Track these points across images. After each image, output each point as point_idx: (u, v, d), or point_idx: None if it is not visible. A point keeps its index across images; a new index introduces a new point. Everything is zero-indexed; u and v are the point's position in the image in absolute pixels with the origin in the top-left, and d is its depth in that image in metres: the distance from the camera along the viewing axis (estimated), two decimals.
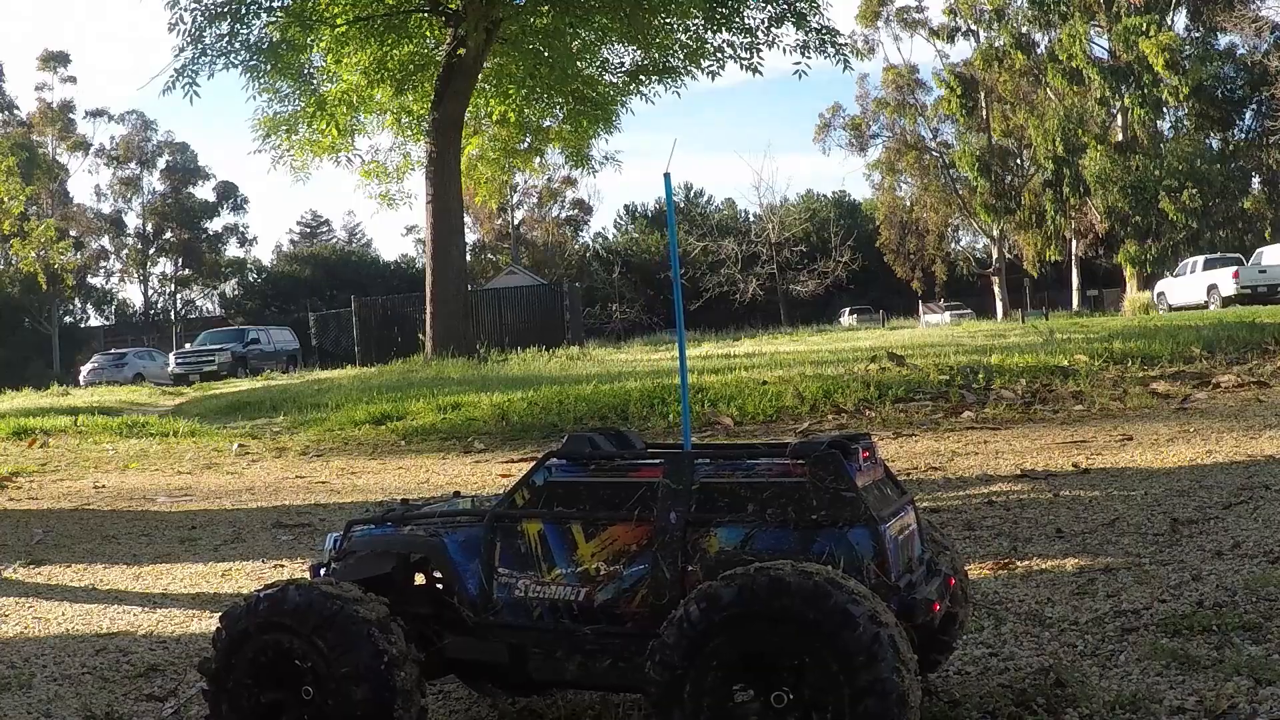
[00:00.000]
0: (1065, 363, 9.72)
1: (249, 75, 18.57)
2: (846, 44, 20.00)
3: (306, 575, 2.71)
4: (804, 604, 1.90)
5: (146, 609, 4.14)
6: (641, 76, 20.75)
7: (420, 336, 20.21)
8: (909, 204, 49.44)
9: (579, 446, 2.46)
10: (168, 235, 60.15)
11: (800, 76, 20.39)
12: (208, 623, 3.75)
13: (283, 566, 4.70)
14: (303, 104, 20.05)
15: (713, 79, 20.65)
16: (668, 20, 19.10)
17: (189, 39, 17.67)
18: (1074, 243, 41.17)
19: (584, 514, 2.33)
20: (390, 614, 2.32)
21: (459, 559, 2.45)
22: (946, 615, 2.50)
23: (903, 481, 2.57)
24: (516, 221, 60.23)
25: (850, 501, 2.13)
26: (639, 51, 20.28)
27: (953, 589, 2.49)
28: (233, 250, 63.36)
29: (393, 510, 2.74)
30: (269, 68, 18.60)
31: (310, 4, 18.07)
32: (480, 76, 19.65)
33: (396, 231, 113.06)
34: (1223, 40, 37.04)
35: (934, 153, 47.10)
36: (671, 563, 2.21)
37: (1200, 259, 28.74)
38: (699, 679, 1.96)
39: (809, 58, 18.72)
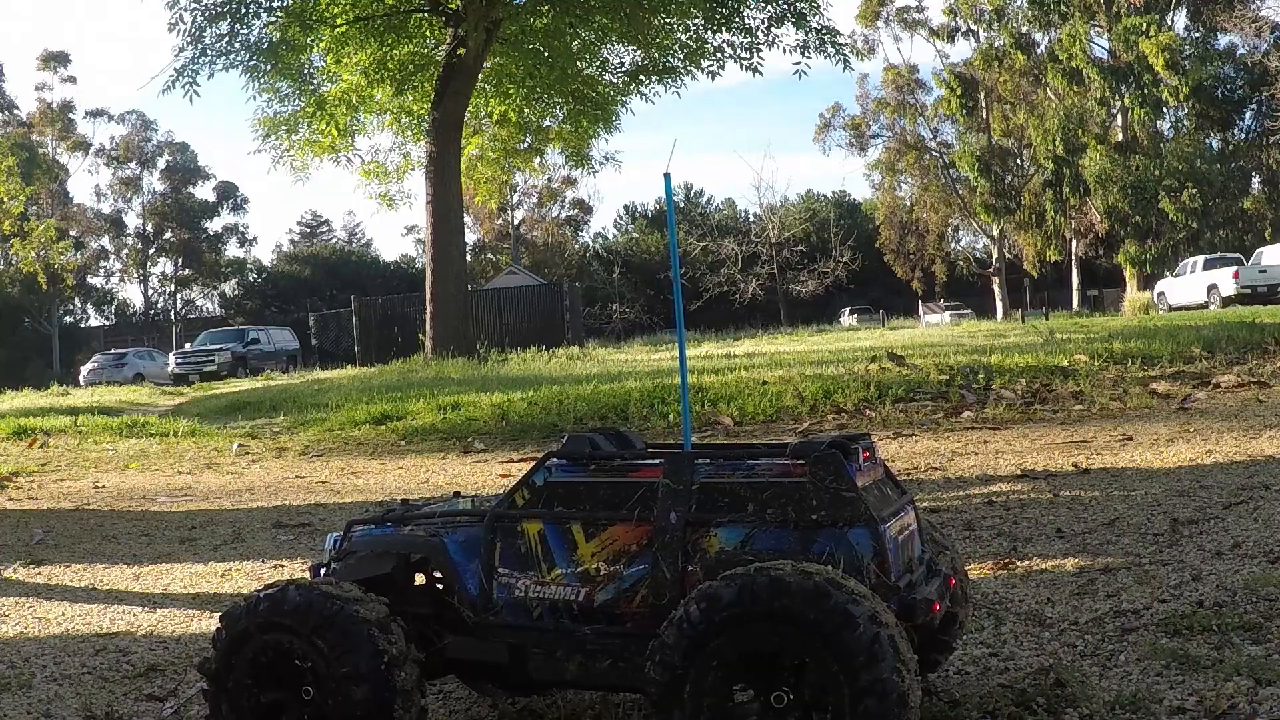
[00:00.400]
0: (1065, 363, 9.72)
1: (249, 75, 18.59)
2: (846, 44, 20.02)
3: (306, 575, 2.72)
4: (804, 604, 1.90)
5: (146, 609, 4.14)
6: (641, 76, 20.75)
7: (420, 336, 20.21)
8: (909, 204, 49.46)
9: (579, 446, 2.46)
10: (168, 235, 60.15)
11: (800, 76, 20.41)
12: (208, 623, 3.76)
13: (283, 566, 4.70)
14: (303, 104, 20.05)
15: (713, 79, 20.67)
16: (668, 20, 19.10)
17: (189, 39, 17.69)
18: (1074, 243, 41.17)
19: (584, 514, 2.32)
20: (390, 614, 2.32)
21: (459, 559, 2.45)
22: (947, 615, 2.50)
23: (903, 481, 2.57)
24: (516, 221, 60.23)
25: (850, 501, 2.13)
26: (639, 51, 20.28)
27: (953, 589, 2.48)
28: (233, 250, 63.42)
29: (393, 510, 2.74)
30: (269, 68, 18.60)
31: (310, 4, 18.07)
32: (480, 76, 19.65)
33: (396, 231, 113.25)
34: (1223, 40, 37.10)
35: (934, 153, 47.12)
36: (671, 563, 2.21)
37: (1200, 259, 28.74)
38: (699, 679, 1.96)
39: (809, 58, 18.73)
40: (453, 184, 19.18)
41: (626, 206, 65.67)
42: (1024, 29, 39.40)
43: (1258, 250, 28.02)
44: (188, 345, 36.28)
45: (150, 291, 62.44)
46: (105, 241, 59.76)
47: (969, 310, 43.82)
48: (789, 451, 2.27)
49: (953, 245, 50.79)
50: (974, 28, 42.79)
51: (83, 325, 57.61)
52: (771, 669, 1.94)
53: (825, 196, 60.50)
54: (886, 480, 2.40)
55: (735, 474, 2.29)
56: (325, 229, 72.76)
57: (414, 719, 2.28)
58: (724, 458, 2.40)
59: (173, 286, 62.82)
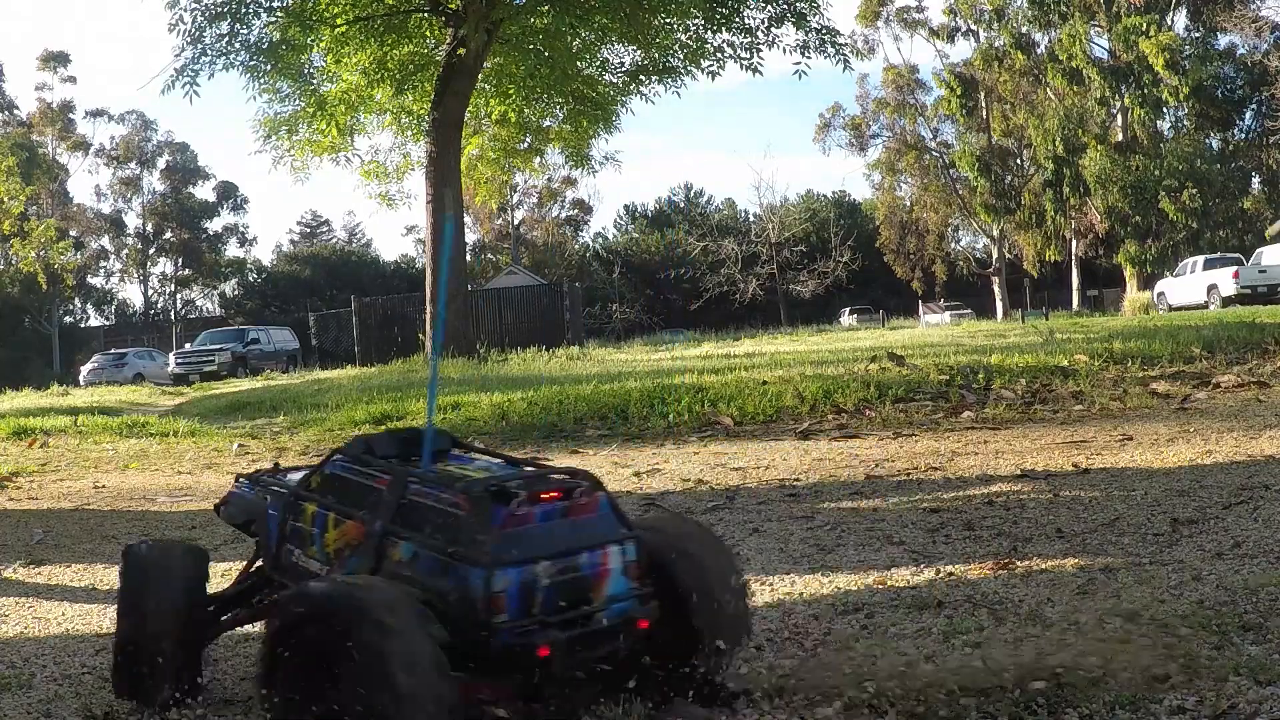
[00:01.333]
0: (1065, 363, 9.71)
1: (249, 75, 18.60)
2: (846, 44, 20.00)
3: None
4: (330, 614, 2.14)
5: None
6: (641, 76, 20.75)
7: (420, 336, 20.23)
8: (909, 204, 49.47)
9: (355, 448, 2.75)
10: (168, 235, 60.19)
11: (800, 76, 20.42)
12: None
13: None
14: (303, 104, 20.06)
15: (713, 79, 20.69)
16: (668, 20, 19.09)
17: (189, 39, 17.68)
18: (1074, 243, 41.19)
19: (334, 505, 2.63)
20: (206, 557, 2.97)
21: (270, 525, 2.83)
22: (684, 639, 2.49)
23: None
24: (516, 221, 60.26)
25: (479, 544, 2.25)
26: (639, 51, 20.27)
27: (644, 629, 2.44)
28: (233, 250, 63.49)
29: (262, 473, 3.15)
30: (269, 68, 18.61)
31: (310, 4, 18.08)
32: (480, 76, 19.65)
33: (396, 231, 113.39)
34: (1223, 40, 37.15)
35: (934, 153, 47.14)
36: (370, 565, 2.45)
37: (1200, 259, 28.75)
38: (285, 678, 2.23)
39: (809, 58, 18.71)
40: (453, 184, 19.19)
41: (626, 206, 65.90)
42: (1024, 29, 39.43)
43: (1258, 250, 28.02)
44: (188, 345, 36.27)
45: (150, 291, 62.55)
46: (105, 241, 59.83)
47: (969, 310, 43.85)
48: (459, 487, 2.38)
49: (953, 245, 50.83)
50: (974, 28, 42.85)
51: (83, 325, 57.62)
52: (329, 669, 2.15)
53: (825, 196, 60.55)
54: (600, 519, 2.40)
55: (427, 496, 2.45)
56: (325, 229, 72.88)
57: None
58: (441, 482, 2.48)
59: (173, 286, 62.88)
